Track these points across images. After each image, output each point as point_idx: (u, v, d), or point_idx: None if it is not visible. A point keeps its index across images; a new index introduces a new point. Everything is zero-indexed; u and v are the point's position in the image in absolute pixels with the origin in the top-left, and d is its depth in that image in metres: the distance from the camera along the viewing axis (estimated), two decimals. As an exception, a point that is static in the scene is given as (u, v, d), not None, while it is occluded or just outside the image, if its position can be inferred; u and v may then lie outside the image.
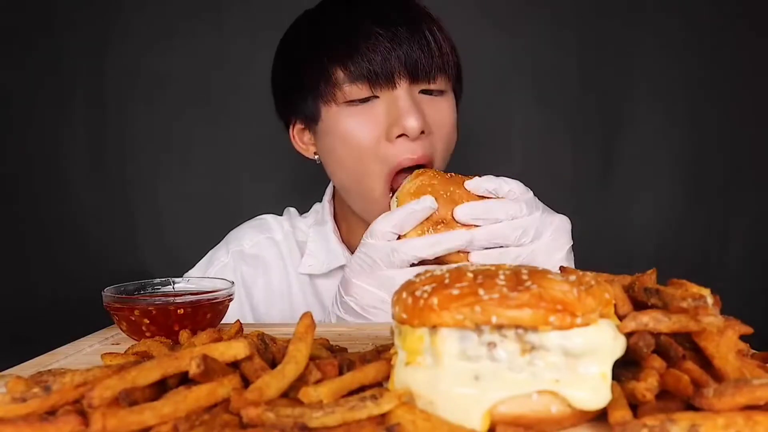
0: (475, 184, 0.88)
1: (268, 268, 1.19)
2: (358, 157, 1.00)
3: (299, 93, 1.05)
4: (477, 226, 0.86)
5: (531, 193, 0.90)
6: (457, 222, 0.87)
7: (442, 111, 1.03)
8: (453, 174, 0.92)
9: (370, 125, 0.99)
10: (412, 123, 0.96)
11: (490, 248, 0.87)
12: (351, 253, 1.15)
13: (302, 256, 1.18)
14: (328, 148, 1.05)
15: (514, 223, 0.86)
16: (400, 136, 0.97)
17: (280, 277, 1.18)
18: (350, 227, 1.16)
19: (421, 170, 0.93)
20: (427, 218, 0.88)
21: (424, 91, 1.01)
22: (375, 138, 0.99)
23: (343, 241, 1.17)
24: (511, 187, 0.88)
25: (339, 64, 0.98)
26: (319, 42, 1.01)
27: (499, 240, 0.86)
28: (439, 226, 0.88)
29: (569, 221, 0.92)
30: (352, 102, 0.99)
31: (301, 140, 1.12)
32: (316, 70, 1.00)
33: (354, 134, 1.00)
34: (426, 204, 0.86)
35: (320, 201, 1.23)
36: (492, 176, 0.89)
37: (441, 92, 1.03)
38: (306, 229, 1.21)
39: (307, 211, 1.27)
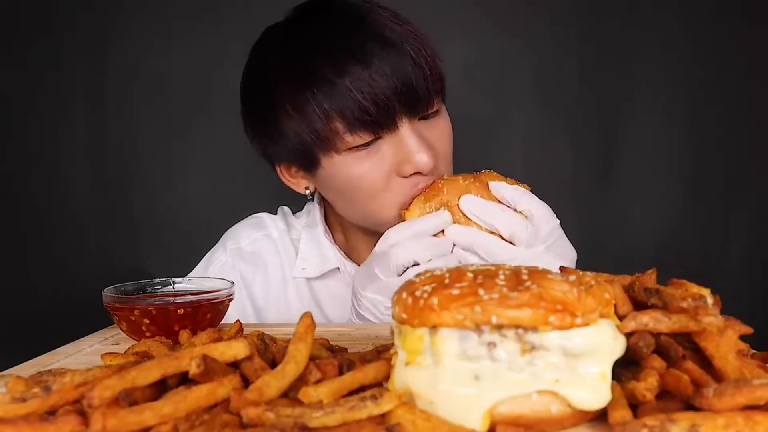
0: (497, 186, 0.87)
1: (266, 266, 1.18)
2: (369, 197, 0.97)
3: (285, 141, 0.98)
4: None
5: (554, 223, 0.88)
6: (460, 210, 0.87)
7: (442, 133, 1.00)
8: (486, 171, 0.92)
9: (379, 167, 0.95)
10: (425, 160, 0.92)
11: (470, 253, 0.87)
12: (347, 256, 1.14)
13: (297, 255, 1.17)
14: (333, 190, 1.01)
15: (503, 245, 0.85)
16: (414, 173, 0.95)
17: (277, 276, 1.18)
18: (344, 228, 1.15)
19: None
20: (434, 197, 0.88)
21: (422, 118, 0.97)
22: (385, 176, 0.95)
23: (336, 242, 1.16)
24: (529, 206, 0.86)
25: (333, 114, 0.91)
26: (302, 89, 0.93)
27: (480, 251, 0.85)
28: (442, 208, 0.88)
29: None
30: (355, 149, 0.94)
31: (290, 175, 1.06)
32: (306, 120, 0.93)
33: (364, 179, 0.95)
34: (443, 219, 0.86)
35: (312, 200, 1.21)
36: (520, 188, 0.88)
37: (436, 112, 0.99)
38: (300, 229, 1.20)
39: (301, 210, 1.26)
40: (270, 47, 1.02)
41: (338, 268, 1.14)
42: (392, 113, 0.92)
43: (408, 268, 0.87)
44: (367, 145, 0.94)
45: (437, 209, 0.89)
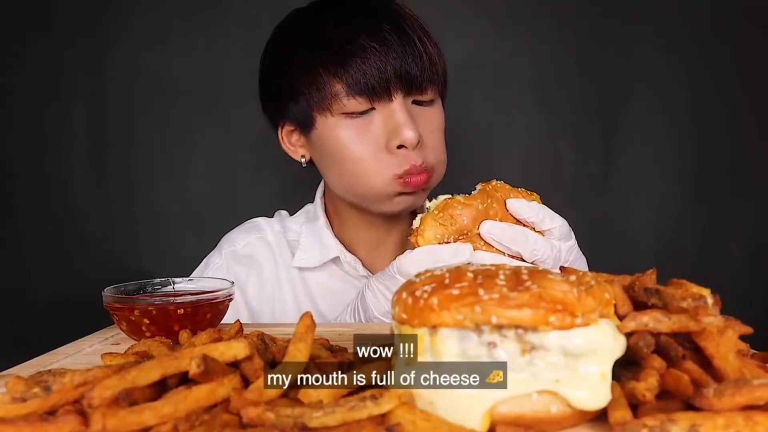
0: (518, 206, 0.85)
1: (260, 267, 1.20)
2: (355, 163, 1.02)
3: (291, 98, 1.05)
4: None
5: (572, 241, 0.88)
6: (481, 237, 0.83)
7: (432, 121, 1.04)
8: (495, 183, 0.87)
9: (368, 138, 1.00)
10: (410, 135, 0.98)
11: None
12: (345, 247, 1.16)
13: (293, 254, 1.19)
14: (324, 154, 1.06)
15: (546, 261, 0.84)
16: (400, 147, 0.99)
17: (272, 276, 1.20)
18: (342, 222, 1.17)
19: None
20: (451, 224, 0.83)
21: (415, 102, 1.03)
22: (372, 149, 1.00)
23: (336, 235, 1.18)
24: (555, 225, 0.85)
25: (337, 77, 0.99)
26: (315, 51, 1.01)
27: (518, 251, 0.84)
28: (461, 237, 0.83)
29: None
30: (349, 114, 1.00)
31: (290, 141, 1.13)
32: (312, 79, 1.01)
33: (352, 147, 1.01)
34: (465, 254, 0.83)
35: (312, 202, 1.24)
36: (540, 207, 0.86)
37: (430, 102, 1.05)
38: (297, 228, 1.22)
39: (297, 212, 1.28)
40: (293, 21, 1.10)
41: (338, 258, 1.16)
42: (389, 84, 0.98)
43: None
44: (361, 114, 1.00)
45: (455, 237, 0.84)
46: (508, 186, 0.88)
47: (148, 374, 0.49)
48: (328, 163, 1.06)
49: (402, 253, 0.96)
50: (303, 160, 1.12)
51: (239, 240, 1.23)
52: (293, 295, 1.18)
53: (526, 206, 0.85)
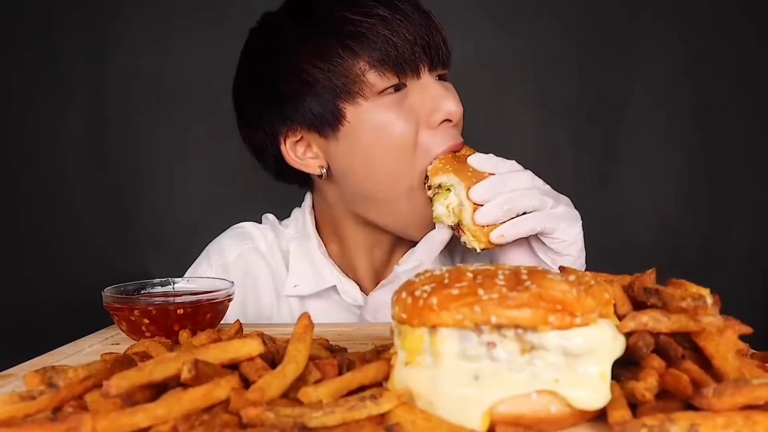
0: (478, 159, 0.88)
1: (256, 282, 1.09)
2: (399, 150, 0.92)
3: (306, 96, 0.93)
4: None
5: (529, 172, 0.91)
6: (475, 203, 0.86)
7: (455, 91, 0.98)
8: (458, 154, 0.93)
9: (407, 117, 0.91)
10: (453, 107, 0.92)
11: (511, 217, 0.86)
12: (343, 271, 1.06)
13: (287, 268, 1.08)
14: (358, 149, 0.93)
15: (533, 191, 0.86)
16: (443, 121, 0.93)
17: (269, 292, 1.09)
18: (342, 240, 1.07)
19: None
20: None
21: (438, 77, 0.97)
22: (414, 128, 0.92)
23: (331, 256, 1.07)
24: (509, 164, 0.89)
25: (359, 53, 0.89)
26: (325, 33, 0.91)
27: (519, 204, 0.85)
28: (469, 173, 0.89)
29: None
30: (383, 92, 0.91)
31: (297, 155, 0.99)
32: (335, 66, 0.90)
33: (395, 126, 0.91)
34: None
35: (300, 206, 1.14)
36: (489, 155, 0.90)
37: (446, 78, 0.99)
38: (289, 237, 1.11)
39: (287, 217, 1.16)
40: (279, 15, 0.99)
41: (334, 287, 1.05)
42: (416, 57, 0.91)
43: None
44: (395, 89, 0.92)
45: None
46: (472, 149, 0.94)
47: (165, 368, 0.49)
48: (362, 162, 0.94)
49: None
50: (323, 171, 0.98)
51: (229, 249, 1.10)
52: (292, 321, 1.06)
53: (482, 157, 0.89)
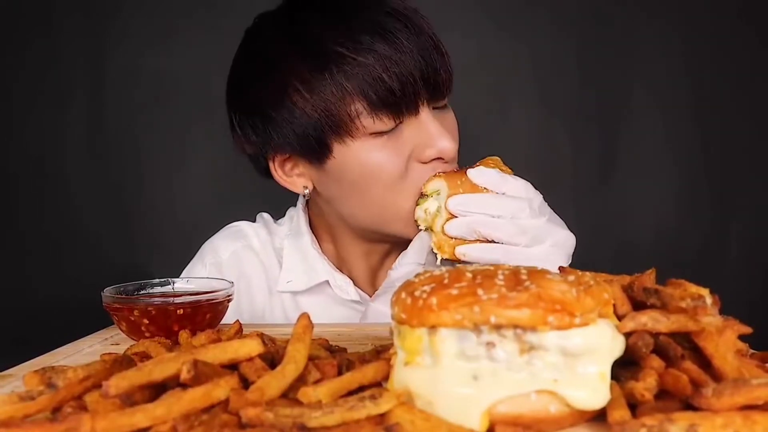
0: (476, 173, 0.85)
1: (249, 280, 1.09)
2: (386, 186, 0.90)
3: (294, 129, 0.90)
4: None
5: (540, 198, 0.87)
6: (451, 214, 0.85)
7: (452, 125, 0.96)
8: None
9: (399, 154, 0.90)
10: (448, 145, 0.90)
11: (481, 241, 0.84)
12: (337, 267, 1.06)
13: (281, 265, 1.08)
14: (344, 183, 0.92)
15: (511, 220, 0.83)
16: (435, 159, 0.91)
17: (262, 290, 1.09)
18: (337, 240, 1.06)
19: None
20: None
21: (434, 107, 0.94)
22: (405, 162, 0.90)
23: (324, 252, 1.07)
24: (511, 186, 0.85)
25: (357, 96, 0.85)
26: (323, 69, 0.86)
27: (488, 230, 0.82)
28: (458, 183, 0.87)
29: (574, 241, 0.88)
30: (375, 134, 0.88)
31: (284, 172, 0.98)
32: (326, 103, 0.86)
33: (384, 166, 0.89)
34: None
35: (295, 206, 1.13)
36: (494, 172, 0.85)
37: (445, 106, 0.96)
38: (283, 236, 1.11)
39: (282, 217, 1.17)
40: (272, 27, 0.95)
41: (327, 282, 1.05)
42: (416, 95, 0.87)
43: None
44: (388, 131, 0.89)
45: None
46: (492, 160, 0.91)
47: (164, 368, 0.49)
48: (349, 193, 0.93)
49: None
50: (306, 191, 0.98)
51: (223, 248, 1.11)
52: (285, 318, 1.06)
53: (481, 172, 0.85)
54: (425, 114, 0.90)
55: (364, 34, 0.85)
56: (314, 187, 0.98)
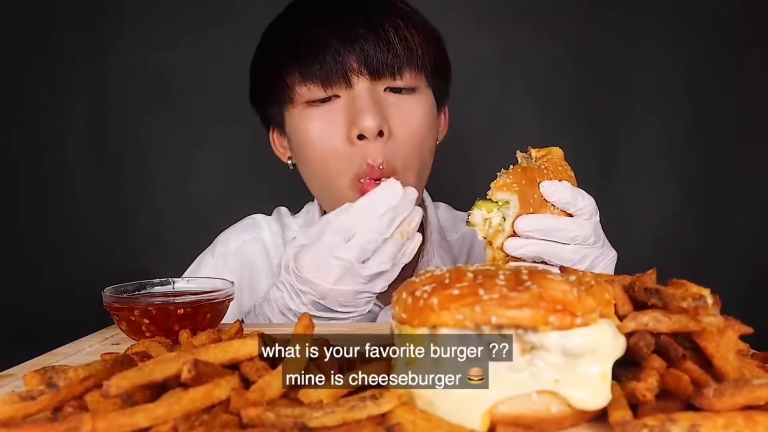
0: (550, 189, 0.81)
1: (254, 270, 1.14)
2: (321, 158, 0.95)
3: (265, 99, 1.04)
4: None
5: (598, 216, 0.86)
6: (515, 233, 0.81)
7: (407, 111, 0.95)
8: (539, 166, 0.85)
9: (330, 125, 0.94)
10: (368, 122, 0.90)
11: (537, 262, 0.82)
12: None
13: None
14: (296, 152, 1.02)
15: (575, 246, 0.81)
16: (360, 137, 0.92)
17: (267, 279, 1.13)
18: None
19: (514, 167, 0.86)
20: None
21: (392, 89, 0.95)
22: (338, 138, 0.93)
23: None
24: (585, 204, 0.82)
25: (292, 66, 0.95)
26: (276, 47, 1.00)
27: (552, 258, 0.81)
28: (530, 201, 0.81)
29: (616, 258, 0.89)
30: (311, 103, 0.95)
31: (280, 144, 1.09)
32: (273, 75, 0.98)
33: (315, 136, 0.95)
34: (395, 196, 0.83)
35: (312, 201, 1.18)
36: (567, 188, 0.82)
37: (411, 90, 0.96)
38: (297, 228, 1.16)
39: (300, 211, 1.22)
40: (272, 24, 1.07)
41: None
42: (346, 69, 0.92)
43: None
44: (323, 101, 0.95)
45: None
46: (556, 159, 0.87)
47: (165, 368, 0.49)
48: (302, 164, 1.01)
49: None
50: (290, 162, 1.08)
51: (233, 240, 1.17)
52: None
53: (558, 187, 0.81)
54: (360, 88, 0.93)
55: (322, 18, 0.96)
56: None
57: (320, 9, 0.98)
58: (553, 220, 0.81)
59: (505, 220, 0.82)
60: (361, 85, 0.93)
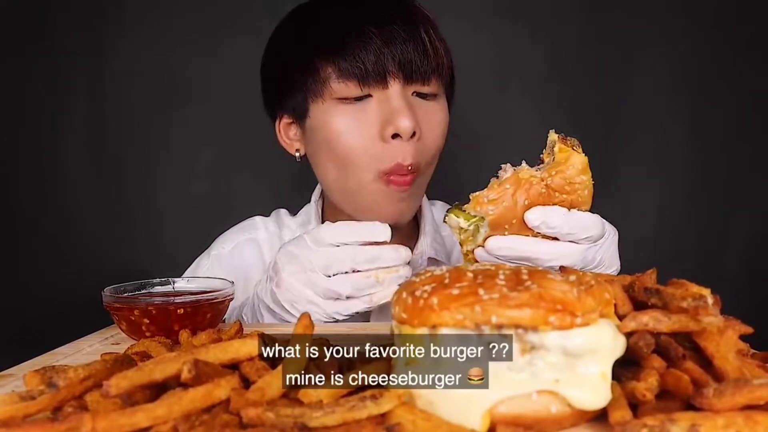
0: (533, 216, 0.77)
1: (247, 272, 1.14)
2: (348, 154, 0.96)
3: (287, 87, 1.01)
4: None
5: (604, 240, 0.84)
6: (529, 227, 0.77)
7: (434, 116, 0.99)
8: (541, 179, 0.83)
9: (361, 124, 0.95)
10: (405, 123, 0.92)
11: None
12: None
13: None
14: (316, 144, 1.00)
15: (593, 250, 0.80)
16: (395, 136, 0.94)
17: (258, 279, 1.11)
18: None
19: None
20: (501, 217, 0.78)
21: (418, 94, 0.98)
22: (368, 138, 0.95)
23: None
24: (578, 230, 0.79)
25: (329, 60, 0.94)
26: (310, 37, 0.98)
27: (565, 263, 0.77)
28: (506, 226, 0.78)
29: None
30: (343, 99, 0.95)
31: (287, 135, 1.08)
32: (307, 66, 0.97)
33: (345, 133, 0.95)
34: (378, 235, 0.84)
35: (310, 203, 1.19)
36: (561, 212, 0.78)
37: (434, 96, 1.00)
38: (295, 228, 1.16)
39: (298, 212, 1.22)
40: (293, 14, 1.07)
41: None
42: (384, 70, 0.93)
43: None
44: (356, 100, 0.95)
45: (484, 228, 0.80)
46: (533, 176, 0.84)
47: (165, 368, 0.49)
48: (321, 156, 1.00)
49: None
50: (297, 154, 1.07)
51: (229, 242, 1.18)
52: None
53: (544, 213, 0.78)
54: (394, 90, 0.95)
55: (358, 16, 0.95)
56: (305, 153, 1.06)
57: (357, 4, 0.98)
58: (527, 244, 0.78)
59: (479, 231, 0.81)
60: (395, 86, 0.95)
